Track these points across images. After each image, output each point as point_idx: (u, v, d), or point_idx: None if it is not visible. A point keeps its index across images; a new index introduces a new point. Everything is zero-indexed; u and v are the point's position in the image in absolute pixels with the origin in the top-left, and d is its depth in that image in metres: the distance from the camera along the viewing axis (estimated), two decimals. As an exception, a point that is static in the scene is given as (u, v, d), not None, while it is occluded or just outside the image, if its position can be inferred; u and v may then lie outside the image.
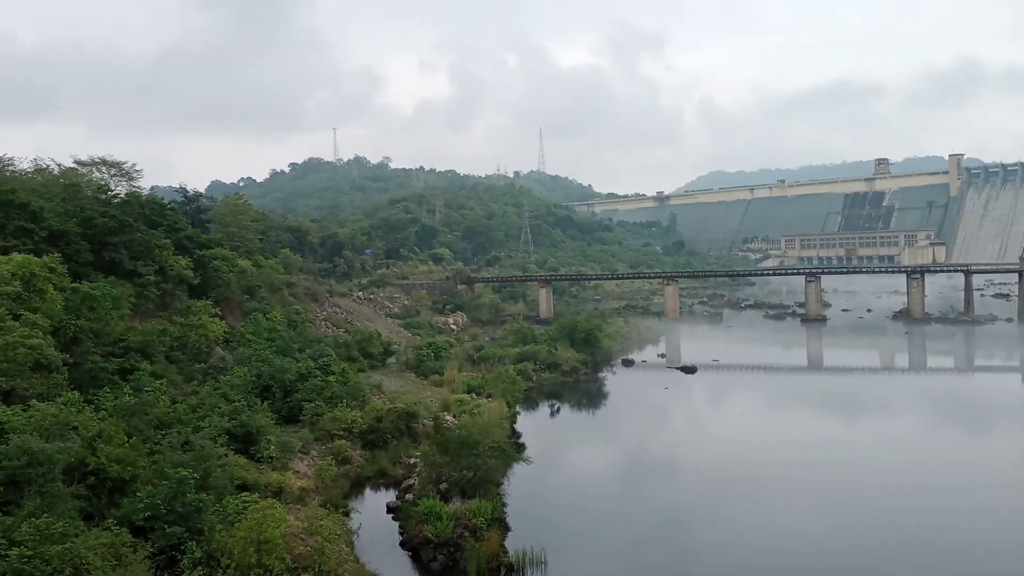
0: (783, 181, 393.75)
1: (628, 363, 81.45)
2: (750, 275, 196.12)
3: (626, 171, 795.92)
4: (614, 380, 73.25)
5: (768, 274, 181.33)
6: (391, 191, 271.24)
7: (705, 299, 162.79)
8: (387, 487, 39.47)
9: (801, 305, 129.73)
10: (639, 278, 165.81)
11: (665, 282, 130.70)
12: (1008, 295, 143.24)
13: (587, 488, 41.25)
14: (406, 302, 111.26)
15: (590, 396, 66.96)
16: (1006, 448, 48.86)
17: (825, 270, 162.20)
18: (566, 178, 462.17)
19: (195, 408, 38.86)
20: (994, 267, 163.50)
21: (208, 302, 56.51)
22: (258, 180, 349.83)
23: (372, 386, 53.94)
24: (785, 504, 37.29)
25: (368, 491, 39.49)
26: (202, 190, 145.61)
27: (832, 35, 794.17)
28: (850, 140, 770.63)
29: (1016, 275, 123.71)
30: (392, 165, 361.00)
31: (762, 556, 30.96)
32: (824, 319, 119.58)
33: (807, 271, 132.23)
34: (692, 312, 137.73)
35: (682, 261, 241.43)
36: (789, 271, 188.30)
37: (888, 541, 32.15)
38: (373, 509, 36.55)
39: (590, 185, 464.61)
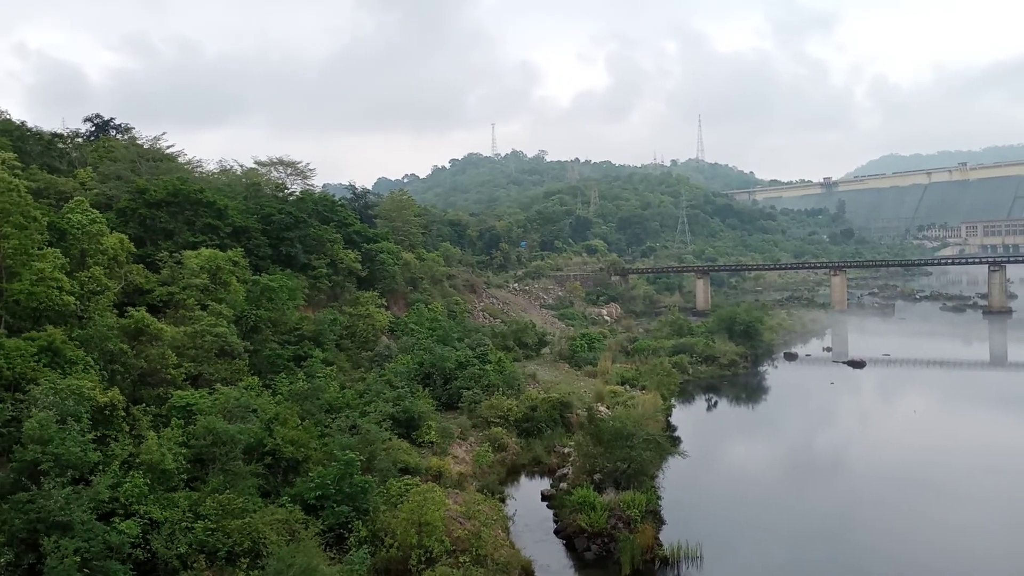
0: (965, 164, 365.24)
1: (791, 357, 78.50)
2: (926, 264, 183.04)
3: (791, 157, 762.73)
4: (775, 374, 70.83)
5: (946, 263, 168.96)
6: (546, 184, 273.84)
7: (875, 290, 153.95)
8: (541, 475, 40.15)
9: (983, 296, 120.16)
10: (803, 268, 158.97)
11: (832, 272, 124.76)
12: None
13: (744, 485, 40.20)
14: (560, 293, 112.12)
15: (749, 390, 65.08)
16: None
17: (1011, 258, 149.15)
18: (726, 165, 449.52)
19: (362, 394, 41.07)
20: None
21: (375, 293, 59.51)
22: (421, 176, 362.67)
23: (527, 375, 54.89)
24: (959, 517, 34.69)
25: (523, 478, 40.31)
26: (369, 187, 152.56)
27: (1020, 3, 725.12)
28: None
29: None
30: (548, 158, 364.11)
31: (926, 569, 29.12)
32: (1009, 311, 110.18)
33: (990, 259, 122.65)
34: (861, 304, 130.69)
35: (850, 250, 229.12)
36: (970, 260, 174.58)
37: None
38: (528, 496, 37.28)
39: (751, 172, 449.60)
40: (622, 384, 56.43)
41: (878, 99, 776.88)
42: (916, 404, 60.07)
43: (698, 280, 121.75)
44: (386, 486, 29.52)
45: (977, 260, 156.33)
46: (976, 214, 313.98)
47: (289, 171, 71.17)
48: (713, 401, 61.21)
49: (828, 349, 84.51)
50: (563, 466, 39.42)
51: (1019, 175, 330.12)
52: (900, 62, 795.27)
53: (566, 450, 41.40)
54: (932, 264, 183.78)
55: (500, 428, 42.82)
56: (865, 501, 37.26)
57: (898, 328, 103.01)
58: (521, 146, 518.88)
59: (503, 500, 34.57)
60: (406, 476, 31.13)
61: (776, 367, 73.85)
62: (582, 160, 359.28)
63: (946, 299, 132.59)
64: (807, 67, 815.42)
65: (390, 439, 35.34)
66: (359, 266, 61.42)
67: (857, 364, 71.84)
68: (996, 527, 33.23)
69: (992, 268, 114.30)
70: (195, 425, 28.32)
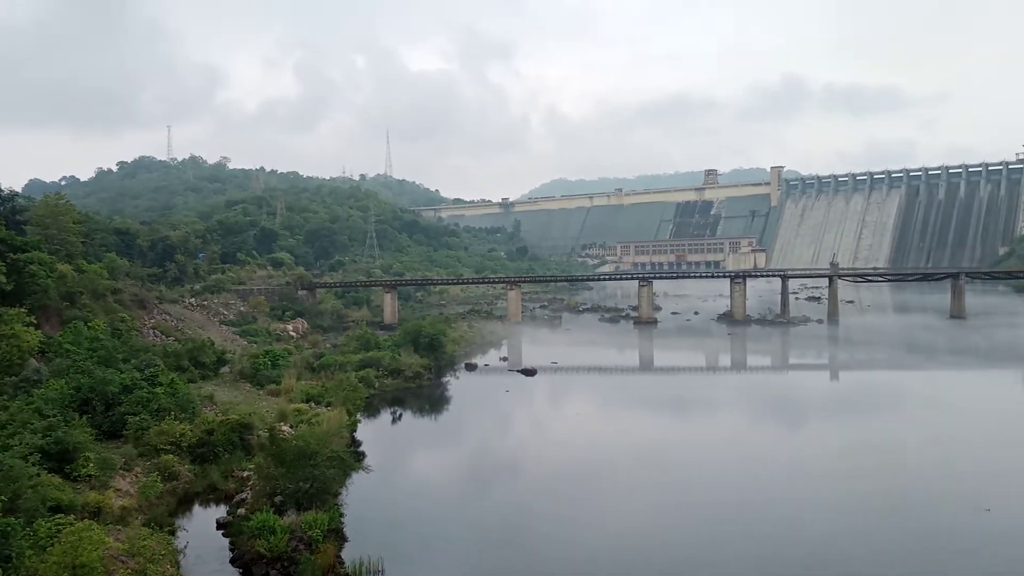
0: (620, 190, 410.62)
1: (471, 367, 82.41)
2: (588, 280, 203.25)
3: (474, 177, 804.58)
4: (457, 384, 73.97)
5: (605, 279, 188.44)
6: (229, 192, 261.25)
7: (546, 303, 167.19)
8: (218, 502, 38.13)
9: (635, 308, 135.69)
10: (484, 283, 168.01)
11: (508, 287, 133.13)
12: (819, 298, 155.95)
13: (428, 494, 41.50)
14: (243, 308, 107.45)
15: (433, 401, 67.27)
16: (820, 439, 53.36)
17: (657, 275, 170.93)
18: (413, 182, 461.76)
19: (3, 425, 36.09)
20: (808, 272, 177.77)
21: (22, 310, 52.57)
22: (82, 179, 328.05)
23: (203, 397, 51.84)
24: (622, 501, 38.98)
25: (197, 508, 38.00)
26: (18, 189, 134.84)
27: (673, 50, 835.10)
28: (686, 151, 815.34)
29: (827, 280, 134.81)
30: (231, 165, 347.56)
31: (601, 553, 32.26)
32: (655, 322, 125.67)
33: (640, 276, 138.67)
34: (534, 316, 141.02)
35: (525, 266, 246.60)
36: (624, 276, 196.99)
37: (717, 532, 34.39)
38: (202, 526, 35.20)
39: (437, 190, 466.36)
40: (307, 402, 55.43)
41: (551, 127, 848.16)
42: (579, 407, 66.13)
43: (386, 294, 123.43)
44: (33, 528, 26.22)
45: (630, 276, 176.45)
46: (630, 235, 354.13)
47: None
48: (398, 414, 62.37)
49: (504, 359, 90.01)
50: (242, 491, 37.78)
51: (663, 201, 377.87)
52: (570, 95, 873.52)
53: (245, 474, 39.74)
54: (593, 279, 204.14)
55: (171, 455, 39.94)
56: (538, 494, 40.45)
57: (564, 338, 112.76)
58: (202, 151, 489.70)
59: (173, 532, 32.27)
60: (58, 515, 27.86)
61: (458, 377, 77.17)
62: (268, 169, 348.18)
63: (604, 311, 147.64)
64: (489, 92, 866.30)
65: (39, 474, 31.48)
66: (3, 279, 53.95)
67: (529, 372, 77.36)
68: (648, 505, 37.73)
69: (642, 283, 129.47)
70: None
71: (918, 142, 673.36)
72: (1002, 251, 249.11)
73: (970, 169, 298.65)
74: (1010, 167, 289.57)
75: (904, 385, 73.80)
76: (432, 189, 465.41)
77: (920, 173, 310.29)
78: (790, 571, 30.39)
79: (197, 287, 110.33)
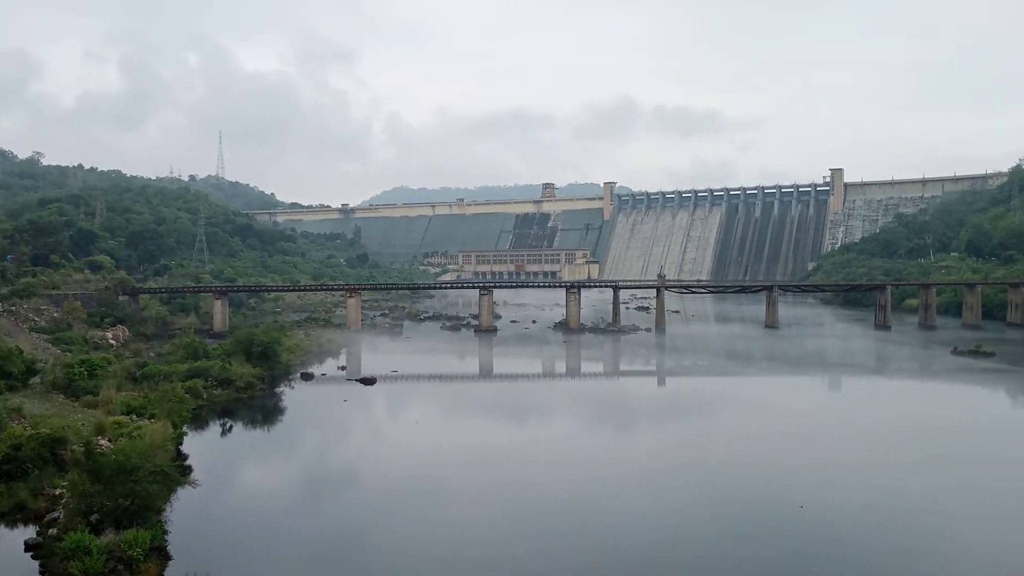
0: (462, 200, 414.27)
1: (308, 376, 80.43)
2: (429, 288, 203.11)
3: (313, 182, 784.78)
4: (292, 394, 71.98)
5: (446, 287, 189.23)
6: (43, 190, 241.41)
7: (387, 311, 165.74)
8: (27, 523, 35.26)
9: (476, 317, 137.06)
10: (322, 290, 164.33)
11: (348, 294, 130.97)
12: (648, 308, 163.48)
13: (260, 508, 40.19)
14: (56, 315, 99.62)
15: (266, 412, 65.11)
16: (648, 442, 56.04)
17: (497, 284, 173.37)
18: (248, 185, 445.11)
19: None
20: (638, 283, 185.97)
21: None
22: None
23: (10, 410, 47.77)
24: (462, 509, 39.29)
25: (3, 528, 35.00)
26: None
27: (513, 66, 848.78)
28: (526, 164, 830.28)
29: (655, 291, 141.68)
30: (45, 161, 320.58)
31: (439, 563, 32.40)
32: (495, 330, 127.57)
33: (481, 285, 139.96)
34: (374, 324, 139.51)
35: (366, 274, 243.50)
36: (465, 284, 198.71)
37: (551, 530, 35.39)
38: (9, 548, 32.49)
39: (273, 194, 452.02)
40: (128, 414, 52.12)
41: (393, 134, 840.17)
42: (419, 415, 66.13)
43: (216, 301, 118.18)
44: None
45: (471, 285, 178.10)
46: (471, 244, 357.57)
47: None
48: (228, 426, 59.96)
49: (343, 368, 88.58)
50: (54, 509, 35.13)
51: (504, 212, 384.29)
52: (413, 103, 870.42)
53: (58, 491, 36.97)
54: (435, 288, 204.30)
55: (-29, 474, 36.56)
56: (375, 503, 40.18)
57: (405, 346, 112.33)
58: (11, 145, 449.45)
59: (-27, 557, 29.61)
60: None
61: (293, 387, 75.10)
62: (88, 167, 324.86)
63: (446, 319, 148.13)
64: (330, 96, 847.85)
65: None
66: None
67: (369, 381, 76.48)
68: (486, 507, 38.23)
69: (482, 292, 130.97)
70: None
71: (737, 163, 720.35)
72: (811, 266, 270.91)
73: (783, 190, 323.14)
74: (818, 188, 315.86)
75: (724, 390, 78.77)
76: (268, 193, 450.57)
77: (739, 192, 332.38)
78: (619, 567, 31.78)
79: (5, 291, 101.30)
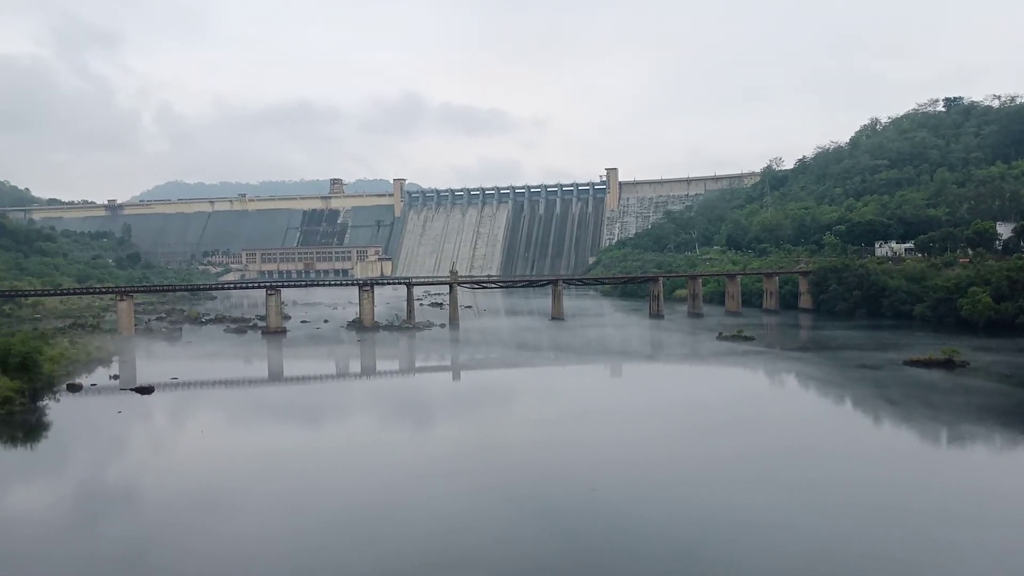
0: (244, 195, 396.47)
1: (75, 388, 73.61)
2: (211, 289, 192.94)
3: (74, 177, 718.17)
4: (58, 408, 65.45)
5: (229, 288, 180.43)
6: None
7: (164, 315, 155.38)
8: None
9: (262, 318, 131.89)
10: (88, 293, 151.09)
11: (118, 298, 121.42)
12: (442, 304, 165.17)
13: (22, 534, 36.30)
14: None
15: (28, 429, 58.82)
16: (445, 436, 56.53)
17: (285, 283, 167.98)
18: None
19: None
20: (430, 280, 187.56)
21: None
22: None
23: None
24: (253, 517, 37.66)
25: None
26: None
27: (296, 56, 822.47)
28: (312, 159, 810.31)
29: (447, 286, 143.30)
30: None
31: (232, 571, 30.87)
32: (285, 331, 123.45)
33: (267, 284, 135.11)
34: (150, 329, 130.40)
35: (138, 275, 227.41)
36: (250, 285, 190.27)
37: (351, 534, 34.75)
38: None
39: (27, 189, 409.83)
40: None
41: (164, 125, 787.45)
42: (203, 424, 62.55)
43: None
44: None
45: (256, 285, 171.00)
46: (256, 242, 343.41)
47: None
48: (-19, 447, 53.56)
49: (115, 377, 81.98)
50: None
51: (290, 209, 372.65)
52: (186, 93, 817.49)
53: None
54: (217, 288, 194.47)
55: None
56: (158, 518, 37.50)
57: (186, 351, 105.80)
58: None
59: None
60: None
61: (59, 400, 68.28)
62: None
63: (230, 322, 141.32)
64: (92, 84, 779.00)
65: None
66: None
67: (145, 390, 71.31)
68: (279, 516, 36.82)
69: (269, 292, 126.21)
70: None
71: (522, 161, 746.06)
72: (591, 260, 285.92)
73: (564, 188, 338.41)
74: (596, 187, 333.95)
75: (516, 380, 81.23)
76: (21, 188, 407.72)
77: (524, 190, 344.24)
78: (417, 559, 31.88)
79: None
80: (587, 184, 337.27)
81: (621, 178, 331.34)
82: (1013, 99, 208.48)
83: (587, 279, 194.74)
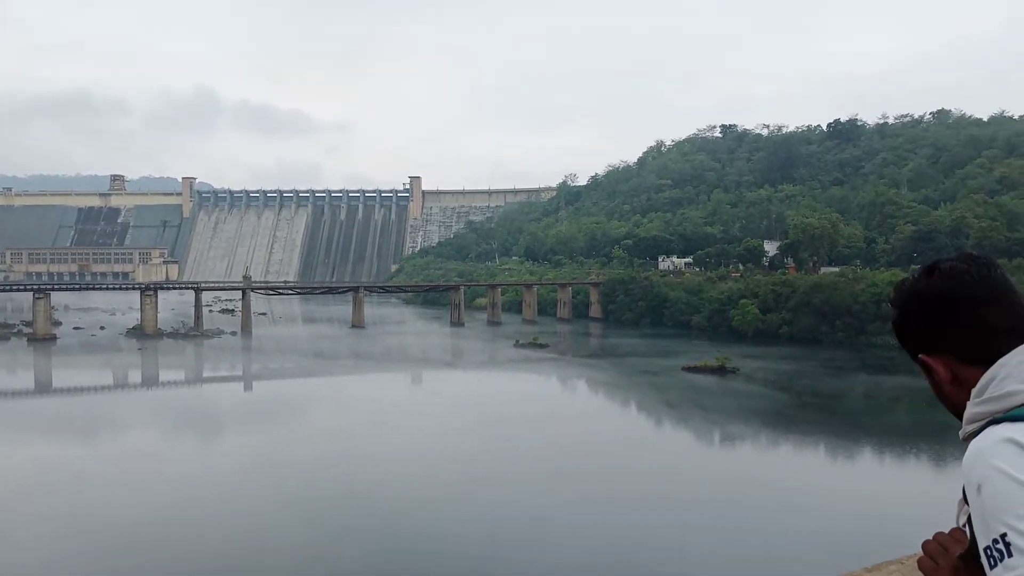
0: (10, 189, 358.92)
1: None
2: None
3: None
4: None
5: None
6: None
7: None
8: None
9: (28, 324, 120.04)
10: None
11: None
12: (234, 310, 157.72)
13: None
14: None
15: None
16: (234, 448, 54.07)
17: (56, 286, 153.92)
18: None
19: None
20: (222, 285, 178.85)
21: None
22: None
23: None
24: (21, 534, 34.20)
25: None
26: None
27: (73, 42, 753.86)
28: (91, 153, 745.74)
29: (240, 292, 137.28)
30: None
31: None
32: (54, 338, 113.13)
33: (35, 287, 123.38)
34: None
35: None
36: (14, 287, 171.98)
37: (123, 555, 32.43)
38: None
39: None
40: None
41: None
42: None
43: None
44: None
45: (22, 287, 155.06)
46: (23, 241, 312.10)
47: None
48: None
49: None
50: None
51: (62, 204, 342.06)
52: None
53: None
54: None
55: None
56: None
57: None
58: None
59: None
60: None
61: None
62: None
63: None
64: None
65: None
66: None
67: None
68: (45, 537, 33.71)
69: (37, 295, 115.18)
70: None
71: (324, 166, 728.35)
72: (394, 268, 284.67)
73: (367, 194, 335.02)
74: (399, 195, 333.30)
75: (312, 390, 79.30)
76: None
77: (324, 195, 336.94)
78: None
79: None
80: (390, 191, 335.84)
81: (425, 187, 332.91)
82: (780, 128, 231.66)
83: (389, 287, 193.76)
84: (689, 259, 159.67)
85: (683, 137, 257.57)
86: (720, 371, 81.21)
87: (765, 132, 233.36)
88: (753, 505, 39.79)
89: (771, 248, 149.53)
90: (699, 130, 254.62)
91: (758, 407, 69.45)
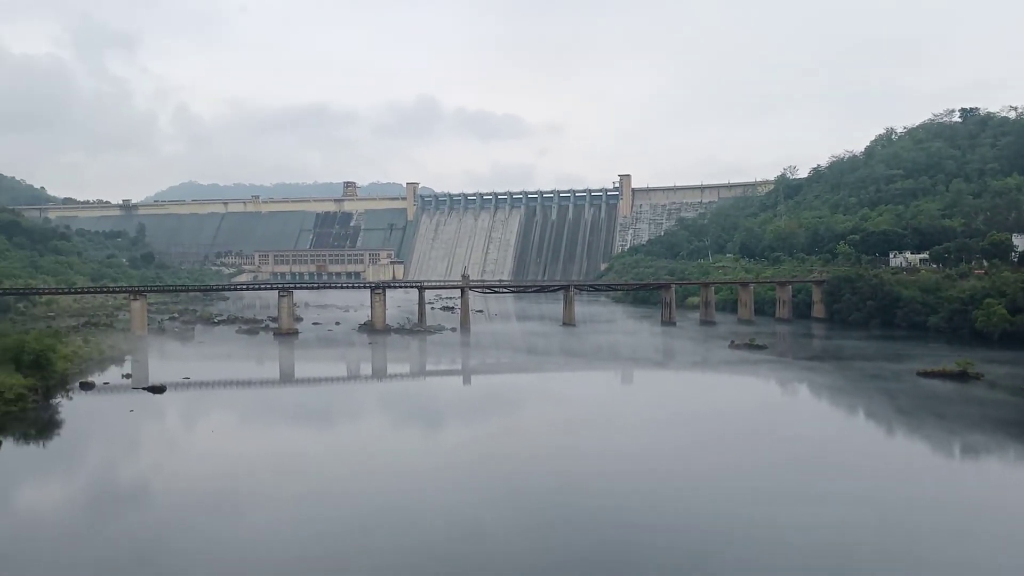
0: (258, 197, 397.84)
1: (88, 386, 74.07)
2: (223, 290, 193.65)
3: (90, 176, 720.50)
4: (71, 406, 65.81)
5: (242, 289, 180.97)
6: None
7: (176, 315, 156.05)
8: None
9: (274, 319, 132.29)
10: (102, 292, 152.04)
11: (132, 297, 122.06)
12: (453, 308, 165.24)
13: (40, 530, 36.52)
14: None
15: (41, 426, 59.21)
16: (454, 440, 56.55)
17: (297, 285, 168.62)
18: (13, 178, 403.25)
19: None
20: (442, 284, 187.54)
21: None
22: None
23: None
24: (267, 519, 37.70)
25: None
26: None
27: (311, 60, 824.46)
28: (325, 162, 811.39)
29: (459, 291, 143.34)
30: None
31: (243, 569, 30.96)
32: (296, 333, 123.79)
33: (280, 286, 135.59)
34: (162, 328, 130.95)
35: (151, 275, 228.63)
36: (262, 286, 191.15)
37: (369, 536, 34.77)
38: None
39: (43, 188, 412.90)
40: None
41: (180, 127, 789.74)
42: (215, 423, 62.74)
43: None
44: None
45: (269, 286, 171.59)
46: (269, 244, 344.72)
47: None
48: (-5, 443, 53.90)
49: (128, 376, 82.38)
50: None
51: (303, 211, 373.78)
52: (202, 94, 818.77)
53: None
54: (229, 289, 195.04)
55: None
56: (172, 516, 37.69)
57: (197, 351, 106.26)
58: None
59: None
60: None
61: (72, 398, 68.64)
62: None
63: (242, 322, 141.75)
64: (110, 85, 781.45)
65: None
66: None
67: (157, 389, 71.64)
68: (291, 519, 36.85)
69: (281, 294, 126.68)
70: None
71: (536, 167, 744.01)
72: (603, 266, 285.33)
73: (577, 194, 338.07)
74: (608, 194, 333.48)
75: (527, 385, 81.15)
76: (37, 187, 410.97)
77: (536, 196, 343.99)
78: (436, 562, 31.89)
79: None
80: (600, 190, 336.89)
81: (634, 184, 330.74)
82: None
83: (599, 285, 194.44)
84: (924, 255, 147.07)
85: (916, 123, 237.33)
86: (961, 377, 73.93)
87: (1013, 115, 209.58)
88: (1000, 532, 35.82)
89: (1021, 243, 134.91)
90: (935, 115, 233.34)
91: (1007, 417, 62.56)
